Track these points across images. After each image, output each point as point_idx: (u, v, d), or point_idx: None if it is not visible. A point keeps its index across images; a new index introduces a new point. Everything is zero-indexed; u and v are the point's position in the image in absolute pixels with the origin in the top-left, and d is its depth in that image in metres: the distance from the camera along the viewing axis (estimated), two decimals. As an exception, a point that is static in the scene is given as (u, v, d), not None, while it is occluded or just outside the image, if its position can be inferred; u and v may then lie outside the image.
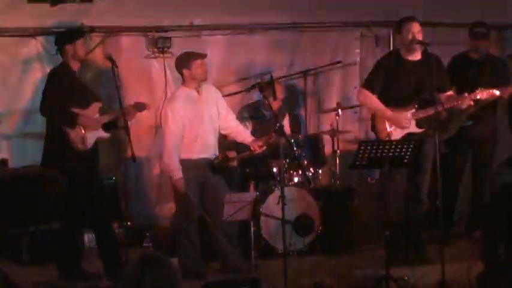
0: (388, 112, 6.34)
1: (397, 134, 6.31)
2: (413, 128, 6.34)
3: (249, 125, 7.26)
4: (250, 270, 6.22)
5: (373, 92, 6.37)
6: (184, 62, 6.33)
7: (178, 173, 6.21)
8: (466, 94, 6.31)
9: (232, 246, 6.36)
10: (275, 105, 7.01)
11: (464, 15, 7.75)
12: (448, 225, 7.16)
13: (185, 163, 6.26)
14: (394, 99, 6.35)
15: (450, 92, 6.43)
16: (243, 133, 6.64)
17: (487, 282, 5.38)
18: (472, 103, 6.32)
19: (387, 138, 6.25)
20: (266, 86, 7.01)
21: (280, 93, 7.24)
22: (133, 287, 3.10)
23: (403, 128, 6.31)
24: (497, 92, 6.37)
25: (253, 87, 6.76)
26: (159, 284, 3.10)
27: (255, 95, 7.49)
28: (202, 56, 6.39)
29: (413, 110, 6.34)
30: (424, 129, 6.32)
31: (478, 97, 6.29)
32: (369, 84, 6.45)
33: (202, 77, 6.34)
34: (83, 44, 6.22)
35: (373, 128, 6.53)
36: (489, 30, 7.16)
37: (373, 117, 6.54)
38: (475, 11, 7.75)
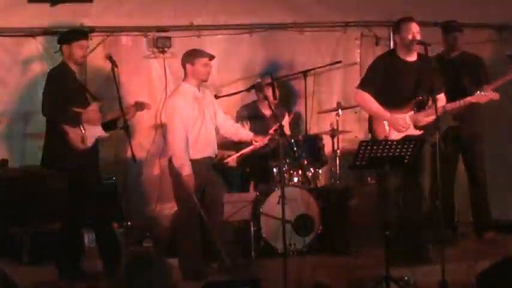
0: (387, 114, 6.30)
1: (395, 136, 6.26)
2: (411, 131, 6.31)
3: (247, 124, 7.27)
4: (249, 270, 6.21)
5: (370, 92, 6.33)
6: (189, 56, 6.31)
7: (188, 169, 6.14)
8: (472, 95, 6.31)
9: (229, 246, 6.35)
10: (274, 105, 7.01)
11: (464, 15, 7.75)
12: (450, 225, 7.17)
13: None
14: (392, 100, 6.32)
15: (441, 95, 6.40)
16: (241, 131, 6.62)
17: (487, 282, 5.38)
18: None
19: (385, 139, 6.22)
20: (266, 86, 7.04)
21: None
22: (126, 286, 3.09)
23: (400, 131, 6.28)
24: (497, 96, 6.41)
25: (253, 87, 6.78)
26: (150, 284, 3.09)
27: (255, 95, 7.50)
28: (210, 56, 6.35)
29: (412, 112, 6.32)
30: (422, 131, 6.31)
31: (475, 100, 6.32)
32: (366, 85, 6.40)
33: (203, 77, 6.31)
34: (80, 47, 6.18)
35: (371, 129, 6.51)
36: (460, 26, 7.18)
37: (371, 119, 6.53)
38: (475, 11, 7.76)
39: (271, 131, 6.46)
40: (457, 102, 6.34)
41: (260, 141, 6.45)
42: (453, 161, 7.27)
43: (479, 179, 7.26)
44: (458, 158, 7.32)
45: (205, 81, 6.38)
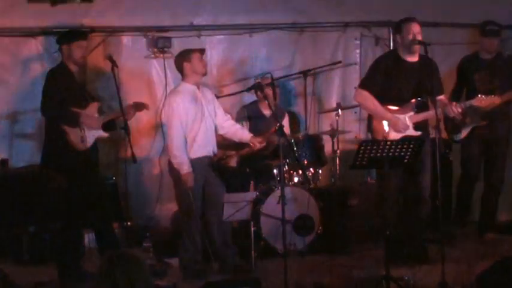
0: (387, 114, 6.29)
1: (394, 135, 6.25)
2: (411, 131, 6.30)
3: (246, 125, 7.27)
4: (249, 270, 6.21)
5: (371, 92, 6.32)
6: (184, 56, 6.35)
7: (187, 167, 6.15)
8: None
9: (227, 246, 6.34)
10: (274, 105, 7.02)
11: (465, 15, 7.74)
12: (461, 224, 7.18)
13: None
14: (393, 100, 6.31)
15: (442, 97, 6.40)
16: (240, 131, 6.61)
17: (487, 282, 5.38)
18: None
19: (384, 139, 6.22)
20: (266, 86, 7.03)
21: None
22: (109, 286, 3.11)
23: (399, 131, 6.27)
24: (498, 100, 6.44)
25: (253, 87, 6.78)
26: (133, 280, 3.11)
27: (255, 95, 7.50)
28: (201, 50, 6.42)
29: (412, 113, 6.31)
30: (421, 132, 6.30)
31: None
32: (366, 84, 6.39)
33: (202, 71, 6.34)
34: (79, 47, 6.17)
35: (370, 128, 6.50)
36: (500, 28, 7.15)
37: (370, 118, 6.52)
38: (475, 11, 7.75)
39: (267, 135, 6.49)
40: (458, 104, 6.32)
41: (257, 144, 6.45)
42: (477, 161, 7.20)
43: (495, 181, 7.19)
44: (482, 158, 7.23)
45: (204, 75, 6.40)
